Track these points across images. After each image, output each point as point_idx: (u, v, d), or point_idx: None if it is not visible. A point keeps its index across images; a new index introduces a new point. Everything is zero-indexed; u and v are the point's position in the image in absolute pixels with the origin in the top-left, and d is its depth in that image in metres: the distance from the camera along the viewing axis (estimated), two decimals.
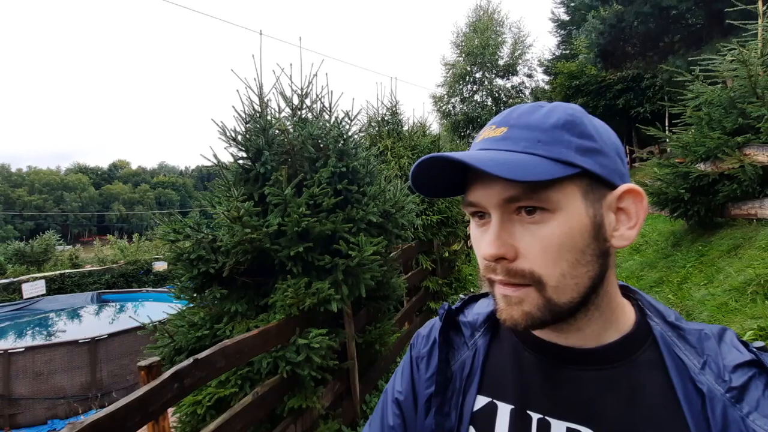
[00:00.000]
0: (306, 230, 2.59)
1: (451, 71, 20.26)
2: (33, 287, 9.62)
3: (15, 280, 10.13)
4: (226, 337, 2.53)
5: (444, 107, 20.57)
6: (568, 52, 18.68)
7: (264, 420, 2.46)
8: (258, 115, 3.00)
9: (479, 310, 0.63)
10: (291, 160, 2.93)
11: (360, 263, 2.62)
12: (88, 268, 11.80)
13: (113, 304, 9.94)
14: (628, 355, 0.49)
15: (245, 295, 2.77)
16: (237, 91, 2.86)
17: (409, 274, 4.44)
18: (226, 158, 2.98)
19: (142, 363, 1.57)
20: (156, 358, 1.64)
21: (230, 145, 2.84)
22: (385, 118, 5.60)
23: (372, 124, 5.55)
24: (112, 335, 6.34)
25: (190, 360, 1.71)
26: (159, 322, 2.75)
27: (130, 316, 9.21)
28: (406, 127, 5.71)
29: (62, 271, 11.09)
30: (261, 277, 2.80)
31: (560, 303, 0.46)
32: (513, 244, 0.46)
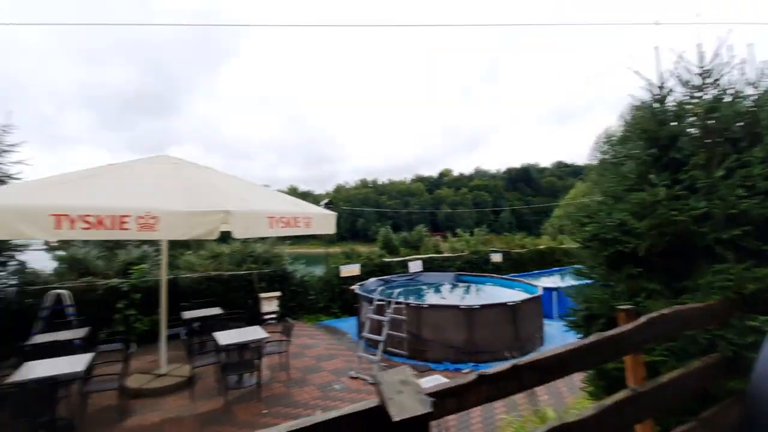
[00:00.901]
0: (739, 213, 2.50)
1: None
2: (415, 265, 13.08)
3: (405, 259, 14.13)
4: (648, 310, 2.79)
5: None
6: None
7: (695, 395, 2.56)
8: (661, 104, 3.11)
9: None
10: (706, 144, 2.87)
11: None
12: (446, 254, 15.06)
13: (466, 284, 12.26)
14: None
15: (657, 276, 2.95)
16: (643, 87, 3.09)
17: None
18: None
19: (622, 307, 2.07)
20: (631, 306, 2.11)
21: (639, 140, 3.09)
22: None
23: None
24: (483, 306, 7.94)
25: (653, 314, 2.08)
26: (577, 291, 3.33)
27: (483, 294, 11.05)
28: None
29: (431, 255, 14.63)
30: (673, 259, 2.90)
31: None
32: None
